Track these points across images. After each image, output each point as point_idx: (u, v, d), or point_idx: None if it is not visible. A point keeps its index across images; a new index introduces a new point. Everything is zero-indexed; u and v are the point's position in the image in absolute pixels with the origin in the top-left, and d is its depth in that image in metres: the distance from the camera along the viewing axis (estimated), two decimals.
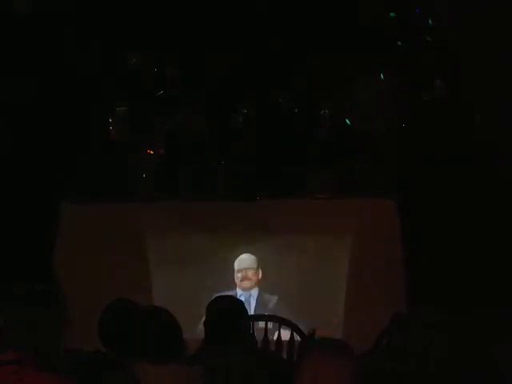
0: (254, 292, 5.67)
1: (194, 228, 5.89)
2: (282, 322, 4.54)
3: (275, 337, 4.54)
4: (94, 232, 5.72)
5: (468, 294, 4.87)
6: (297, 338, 4.45)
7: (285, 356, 4.22)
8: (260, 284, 5.72)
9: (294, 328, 4.44)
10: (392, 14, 6.11)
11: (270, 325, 4.64)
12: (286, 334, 4.54)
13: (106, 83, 6.43)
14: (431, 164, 5.44)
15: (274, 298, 5.65)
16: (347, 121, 6.27)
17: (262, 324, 4.66)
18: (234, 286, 5.80)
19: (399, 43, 6.11)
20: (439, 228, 5.26)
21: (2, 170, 5.70)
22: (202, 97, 6.50)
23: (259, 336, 4.44)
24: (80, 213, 5.81)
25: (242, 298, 5.24)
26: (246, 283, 5.66)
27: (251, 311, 5.37)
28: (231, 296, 3.32)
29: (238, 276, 5.69)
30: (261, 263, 5.76)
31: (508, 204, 5.23)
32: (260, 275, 5.69)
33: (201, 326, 3.27)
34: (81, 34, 6.15)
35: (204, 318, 3.23)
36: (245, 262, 5.74)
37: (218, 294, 4.00)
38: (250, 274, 5.67)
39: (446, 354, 2.93)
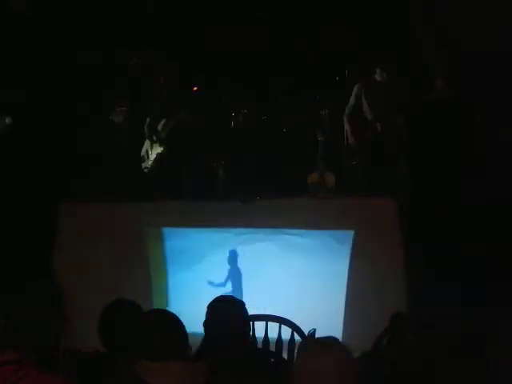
0: None
1: (194, 228, 5.89)
2: (282, 321, 4.53)
3: None
4: (94, 232, 5.72)
5: (468, 294, 4.86)
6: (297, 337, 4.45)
7: (285, 356, 4.22)
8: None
9: (294, 328, 4.43)
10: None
11: None
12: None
13: (107, 83, 6.44)
14: (431, 164, 5.44)
15: None
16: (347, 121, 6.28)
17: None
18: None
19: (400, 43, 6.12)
20: (439, 227, 5.26)
21: (2, 170, 5.70)
22: (202, 97, 6.51)
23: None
24: (80, 213, 5.81)
25: None
26: None
27: None
28: (232, 296, 3.31)
29: None
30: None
31: (507, 203, 5.23)
32: None
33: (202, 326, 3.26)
34: (81, 33, 6.16)
35: (204, 318, 3.23)
36: None
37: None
38: None
39: (443, 353, 2.94)
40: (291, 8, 6.73)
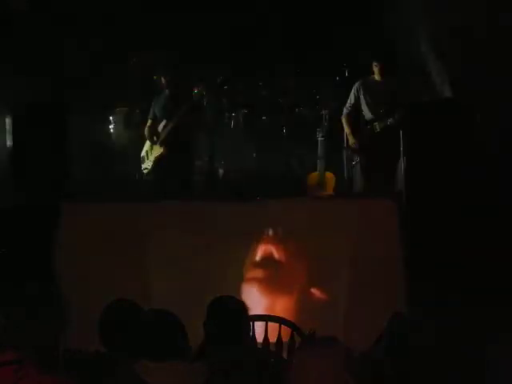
0: None
1: (194, 228, 5.88)
2: (282, 321, 4.53)
3: None
4: (94, 232, 5.71)
5: (468, 293, 4.86)
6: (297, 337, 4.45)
7: (285, 356, 4.22)
8: None
9: (294, 328, 4.43)
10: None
11: None
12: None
13: (107, 83, 6.45)
14: (431, 164, 5.43)
15: None
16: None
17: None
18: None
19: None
20: (439, 228, 5.26)
21: (1, 169, 5.70)
22: (203, 97, 6.51)
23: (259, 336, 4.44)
24: (80, 213, 5.80)
25: None
26: None
27: None
28: (232, 296, 3.31)
29: None
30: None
31: (507, 203, 5.23)
32: None
33: (201, 327, 3.26)
34: (81, 33, 6.16)
35: (205, 319, 3.23)
36: None
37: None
38: None
39: (443, 353, 2.94)
40: (291, 8, 6.73)
